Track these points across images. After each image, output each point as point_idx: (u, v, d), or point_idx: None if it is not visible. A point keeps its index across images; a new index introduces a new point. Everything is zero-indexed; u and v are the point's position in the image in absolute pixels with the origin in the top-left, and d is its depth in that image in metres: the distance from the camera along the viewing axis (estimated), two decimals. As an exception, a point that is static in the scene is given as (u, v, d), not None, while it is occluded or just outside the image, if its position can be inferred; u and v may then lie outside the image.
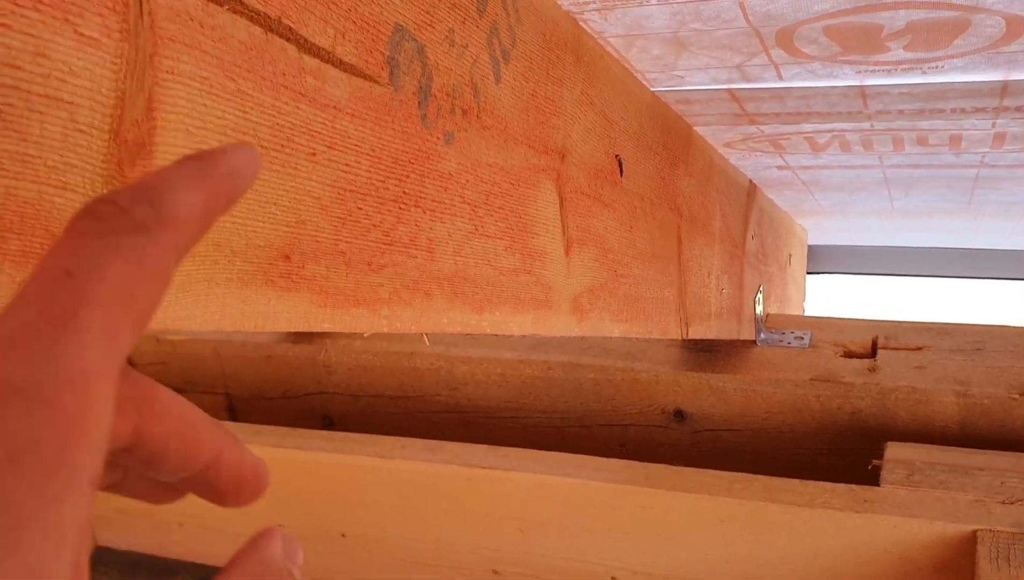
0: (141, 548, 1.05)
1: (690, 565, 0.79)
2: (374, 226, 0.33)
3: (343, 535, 0.93)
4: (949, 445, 0.83)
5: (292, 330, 0.27)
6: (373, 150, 0.32)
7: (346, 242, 0.31)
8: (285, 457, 0.93)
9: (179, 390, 1.27)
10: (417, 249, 0.35)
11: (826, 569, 0.75)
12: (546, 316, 0.47)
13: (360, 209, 0.32)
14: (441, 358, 1.08)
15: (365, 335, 1.12)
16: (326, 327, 0.30)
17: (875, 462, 0.79)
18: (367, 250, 0.32)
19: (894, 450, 0.80)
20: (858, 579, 0.73)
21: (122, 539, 1.06)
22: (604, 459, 0.84)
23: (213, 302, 0.25)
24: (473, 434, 1.10)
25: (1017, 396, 0.85)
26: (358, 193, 0.31)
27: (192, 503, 0.89)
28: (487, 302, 0.41)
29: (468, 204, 0.39)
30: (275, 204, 0.27)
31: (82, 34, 0.21)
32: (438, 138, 0.36)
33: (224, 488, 0.25)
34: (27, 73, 0.20)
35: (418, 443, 0.92)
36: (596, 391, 1.01)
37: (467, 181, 0.39)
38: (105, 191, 0.22)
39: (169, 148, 0.24)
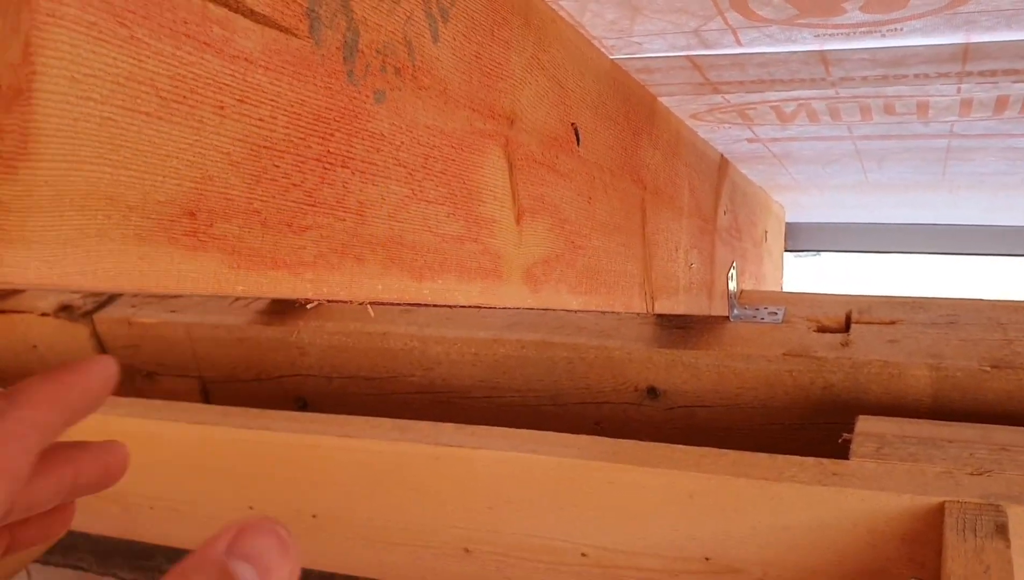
0: (114, 533, 1.04)
1: (659, 540, 0.78)
2: (294, 185, 0.31)
3: (314, 516, 0.93)
4: (922, 418, 0.83)
5: (200, 292, 0.26)
6: (291, 106, 0.31)
7: (261, 201, 0.30)
8: (254, 438, 0.92)
9: (151, 373, 1.25)
10: (346, 211, 0.34)
11: (794, 542, 0.74)
12: (495, 285, 0.46)
13: (277, 167, 0.31)
14: (415, 338, 1.07)
15: (308, 306, 1.11)
16: (239, 290, 0.29)
17: (845, 435, 0.78)
18: (287, 210, 0.31)
19: (864, 423, 0.80)
20: (826, 552, 0.72)
21: (95, 523, 1.05)
22: (572, 435, 0.83)
23: (107, 258, 0.24)
24: (447, 414, 1.09)
25: (989, 369, 0.84)
26: (274, 150, 0.30)
27: (161, 486, 0.88)
28: (428, 269, 0.40)
29: (404, 167, 0.38)
30: (177, 158, 0.26)
31: (-56, -31, 0.20)
32: (367, 96, 0.35)
33: (97, 485, 0.30)
34: None
35: (387, 422, 0.91)
36: (569, 369, 1.00)
37: (402, 143, 0.37)
38: None
39: (51, 95, 0.22)
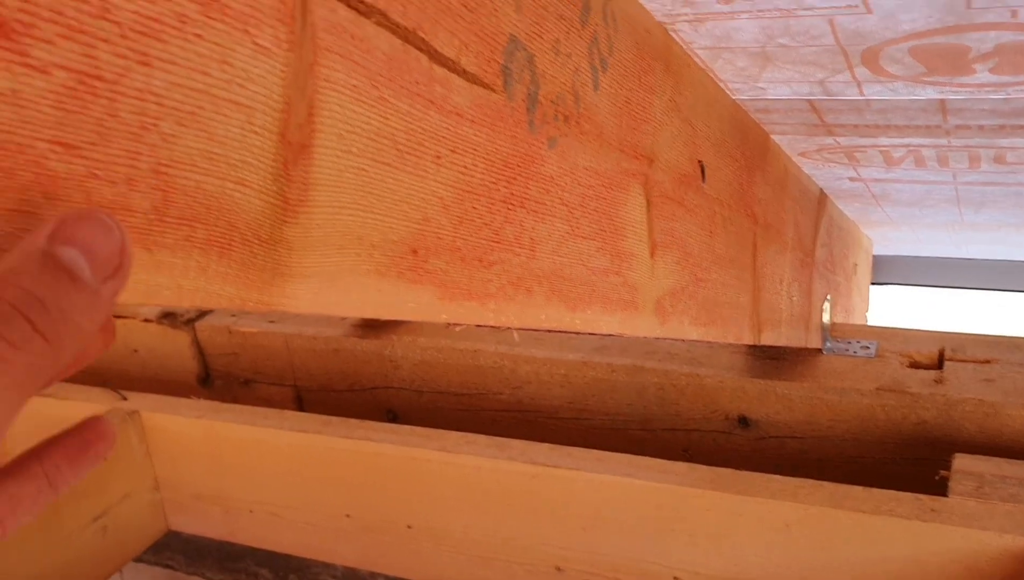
0: (214, 534, 1.08)
1: (752, 569, 0.79)
2: (485, 225, 0.35)
3: (408, 526, 0.96)
4: (1017, 459, 0.83)
5: (415, 319, 0.30)
6: (487, 154, 0.34)
7: (462, 239, 0.33)
8: (353, 448, 0.96)
9: (248, 381, 1.30)
10: (521, 247, 0.37)
11: (889, 576, 0.75)
12: (632, 317, 0.49)
13: (475, 209, 0.34)
14: (505, 357, 1.10)
15: (457, 330, 1.14)
16: (443, 318, 0.32)
17: (942, 473, 0.79)
18: (479, 247, 0.34)
19: (962, 461, 0.80)
20: (923, 588, 0.73)
21: (194, 524, 1.10)
22: (669, 462, 0.85)
23: (355, 291, 0.27)
24: (534, 433, 1.12)
25: (1089, 412, 0.84)
26: (473, 194, 0.34)
27: (262, 491, 0.93)
28: (580, 301, 0.42)
29: (566, 206, 0.41)
30: (407, 203, 0.29)
31: (258, 44, 0.23)
32: (542, 143, 0.38)
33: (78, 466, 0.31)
34: (214, 79, 0.22)
35: (482, 439, 0.94)
36: (660, 395, 1.02)
37: (566, 184, 0.40)
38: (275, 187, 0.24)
39: (326, 150, 0.26)
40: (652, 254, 0.51)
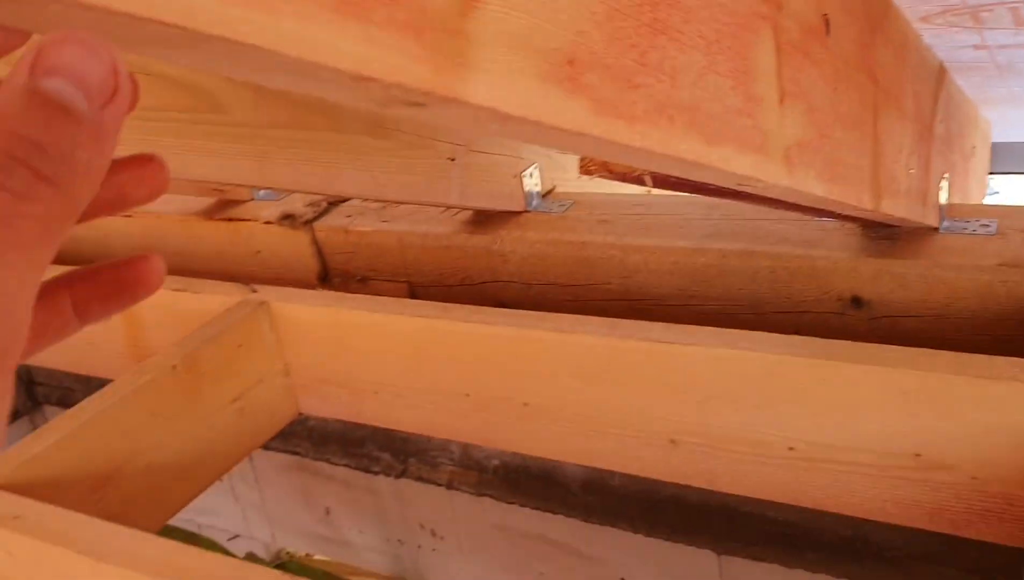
0: (341, 415, 1.15)
1: (869, 436, 0.81)
2: (632, 46, 0.36)
3: (525, 404, 1.00)
4: None
5: (570, 128, 0.32)
6: (634, -25, 0.35)
7: (612, 58, 0.35)
8: (472, 330, 1.00)
9: (364, 278, 1.36)
10: (663, 74, 0.39)
11: (1010, 443, 0.75)
12: (763, 161, 0.50)
13: (623, 28, 0.35)
14: (614, 247, 1.12)
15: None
16: (596, 132, 0.34)
17: (1068, 343, 0.78)
18: (627, 68, 0.36)
19: (1090, 331, 0.79)
20: (1047, 452, 0.73)
21: (322, 407, 1.17)
22: (783, 335, 0.86)
23: (523, 92, 0.30)
24: (643, 320, 1.14)
25: None
26: (622, 13, 0.35)
27: (385, 373, 0.99)
28: (716, 137, 0.44)
29: (704, 39, 0.42)
30: (564, 12, 0.31)
31: None
32: (683, -28, 0.39)
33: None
34: None
35: (595, 320, 0.96)
36: (771, 278, 1.02)
37: (703, 17, 0.41)
38: None
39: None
40: (781, 101, 0.51)
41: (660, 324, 0.92)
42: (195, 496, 1.05)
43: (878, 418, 0.80)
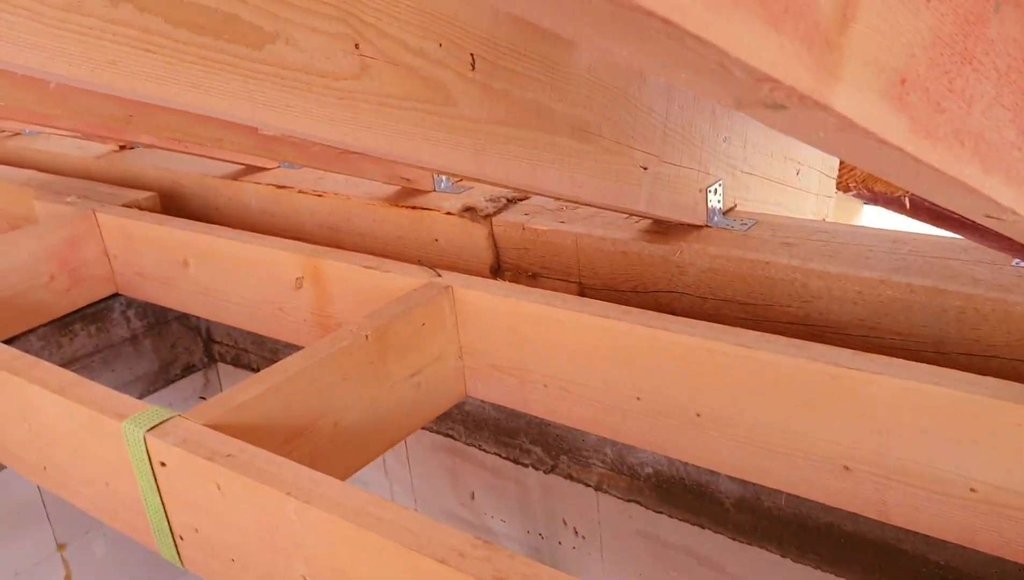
0: (507, 402, 1.20)
1: (1063, 488, 0.79)
2: (944, 73, 0.38)
3: (697, 414, 1.02)
4: None
5: (892, 142, 0.34)
6: (955, 6, 0.38)
7: (930, 81, 0.37)
8: (651, 335, 1.02)
9: (535, 274, 1.41)
10: (963, 101, 0.41)
11: None
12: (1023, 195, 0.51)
13: (941, 56, 0.38)
14: (797, 270, 1.13)
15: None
16: (909, 148, 0.37)
17: None
18: (938, 92, 0.38)
19: None
20: None
21: (489, 392, 1.22)
22: (976, 375, 0.85)
23: (861, 105, 0.32)
24: (817, 347, 1.14)
25: None
26: (942, 40, 0.37)
27: (557, 367, 1.03)
28: (992, 166, 0.45)
29: (996, 71, 0.43)
30: (905, 36, 0.34)
31: None
32: (990, 5, 0.41)
33: None
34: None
35: (781, 339, 0.98)
36: (959, 319, 1.01)
37: (999, 50, 0.43)
38: None
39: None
40: (1043, 139, 0.52)
41: (847, 350, 0.93)
42: (369, 461, 1.12)
43: (1075, 470, 0.78)
